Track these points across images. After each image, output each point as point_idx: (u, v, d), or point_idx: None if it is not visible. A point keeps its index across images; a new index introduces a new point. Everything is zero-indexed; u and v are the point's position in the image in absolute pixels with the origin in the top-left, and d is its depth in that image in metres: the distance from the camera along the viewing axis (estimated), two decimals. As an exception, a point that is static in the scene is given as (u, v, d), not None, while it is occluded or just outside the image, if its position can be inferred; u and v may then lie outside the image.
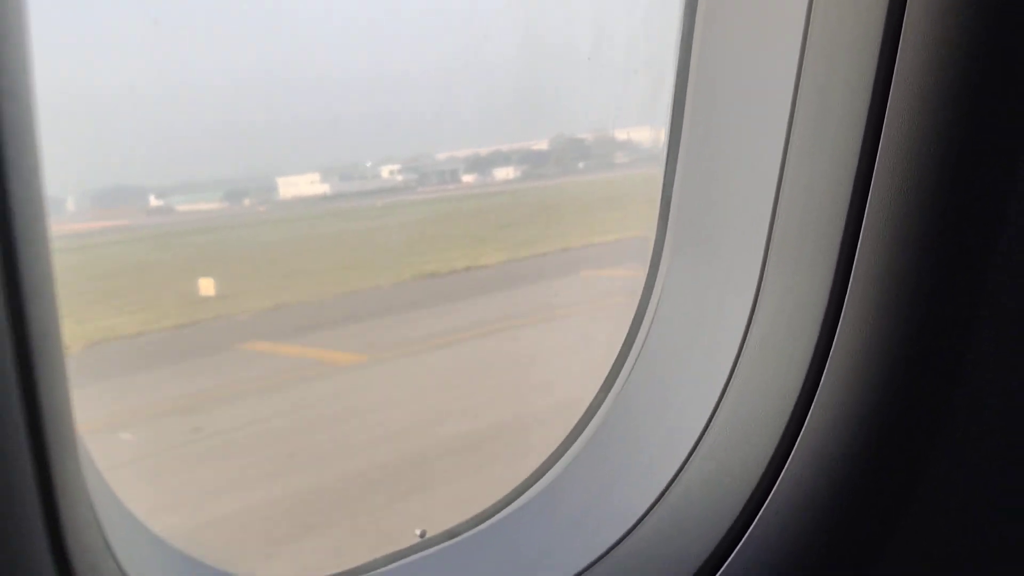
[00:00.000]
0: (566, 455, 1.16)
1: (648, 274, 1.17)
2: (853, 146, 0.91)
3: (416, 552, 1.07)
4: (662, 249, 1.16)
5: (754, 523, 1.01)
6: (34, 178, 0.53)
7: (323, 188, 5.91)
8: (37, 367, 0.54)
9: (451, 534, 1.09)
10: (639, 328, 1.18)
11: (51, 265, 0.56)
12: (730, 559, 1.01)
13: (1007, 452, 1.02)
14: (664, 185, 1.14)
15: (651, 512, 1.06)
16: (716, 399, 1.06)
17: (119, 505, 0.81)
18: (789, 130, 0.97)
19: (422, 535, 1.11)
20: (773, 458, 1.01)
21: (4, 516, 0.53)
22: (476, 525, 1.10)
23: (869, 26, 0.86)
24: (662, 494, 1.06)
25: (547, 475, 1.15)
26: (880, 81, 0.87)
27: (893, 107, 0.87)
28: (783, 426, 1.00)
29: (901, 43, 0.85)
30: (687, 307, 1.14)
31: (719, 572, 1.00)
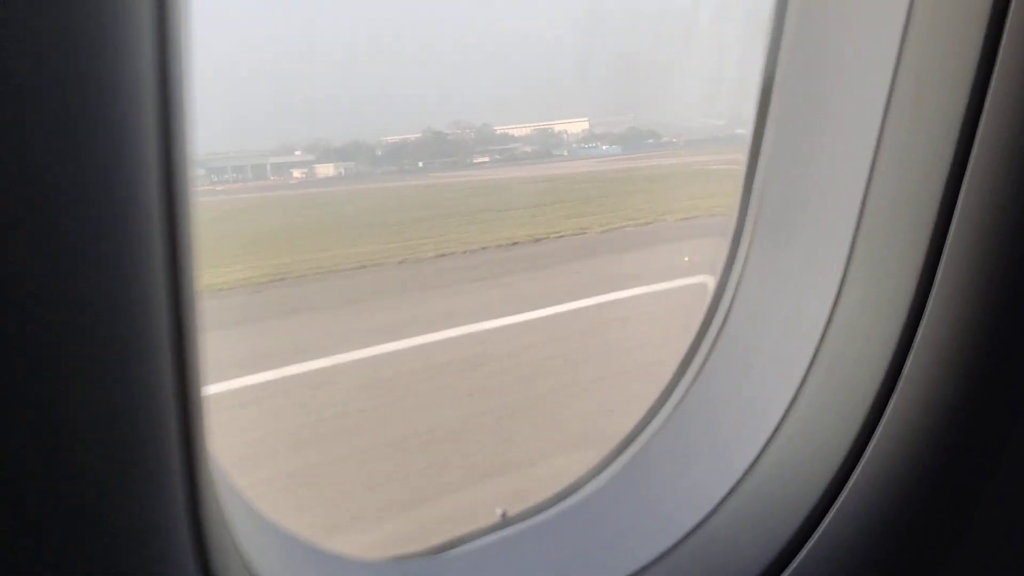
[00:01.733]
0: (642, 435, 1.17)
1: (727, 254, 1.14)
2: (948, 143, 0.87)
3: (496, 531, 1.11)
4: (742, 231, 1.13)
5: (832, 511, 1.01)
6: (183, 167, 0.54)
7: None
8: (184, 369, 0.56)
9: (529, 513, 1.12)
10: (717, 309, 1.16)
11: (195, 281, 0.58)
12: (807, 546, 1.01)
13: None
14: (747, 167, 1.11)
15: (729, 497, 1.06)
16: (797, 384, 1.05)
17: (243, 501, 0.84)
18: (883, 123, 0.92)
19: (503, 515, 1.13)
20: (853, 446, 1.00)
21: (148, 520, 0.56)
22: (554, 505, 1.13)
23: (971, 21, 0.80)
24: (741, 479, 1.06)
25: (623, 455, 1.16)
26: (979, 79, 0.83)
27: (991, 106, 0.83)
28: (863, 415, 0.99)
29: (1003, 40, 0.80)
30: (769, 290, 1.12)
31: (796, 559, 1.01)
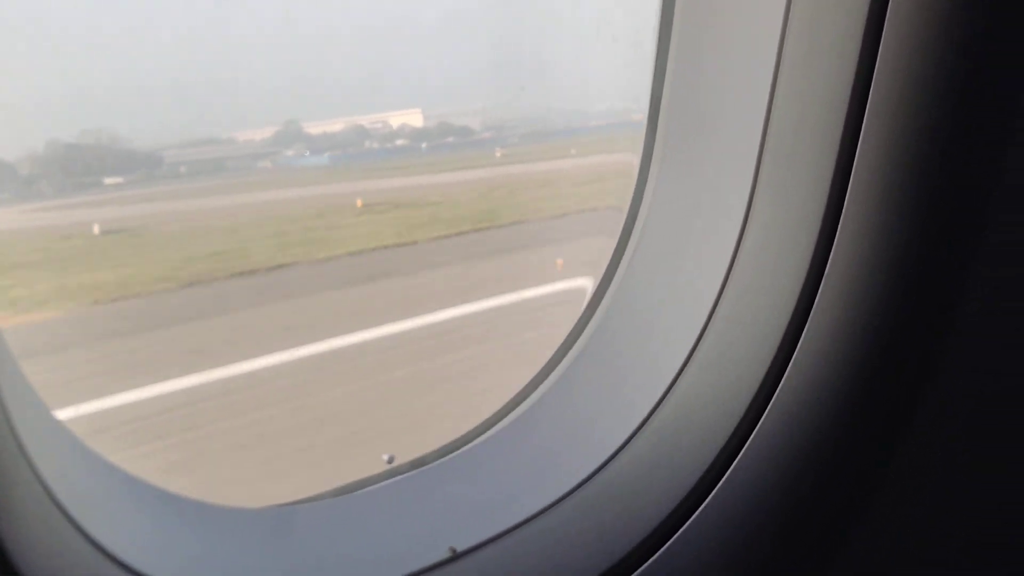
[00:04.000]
0: (542, 386, 1.12)
1: (633, 197, 1.10)
2: (844, 87, 0.85)
3: (383, 480, 1.05)
4: (648, 171, 1.09)
5: (736, 460, 0.97)
6: None
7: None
8: None
9: (419, 463, 1.07)
10: (623, 251, 1.12)
11: None
12: (709, 497, 0.97)
13: (1001, 391, 0.97)
14: (651, 101, 1.07)
15: (627, 446, 1.02)
16: (702, 325, 1.01)
17: (38, 405, 0.78)
18: (782, 42, 0.89)
19: (390, 461, 1.08)
20: (757, 393, 0.96)
21: None
22: (445, 454, 1.07)
23: None
24: (640, 426, 1.02)
25: (521, 405, 1.11)
26: (872, 21, 0.81)
27: (885, 46, 0.81)
28: (769, 360, 0.95)
29: None
30: (673, 228, 1.08)
31: (697, 510, 0.97)
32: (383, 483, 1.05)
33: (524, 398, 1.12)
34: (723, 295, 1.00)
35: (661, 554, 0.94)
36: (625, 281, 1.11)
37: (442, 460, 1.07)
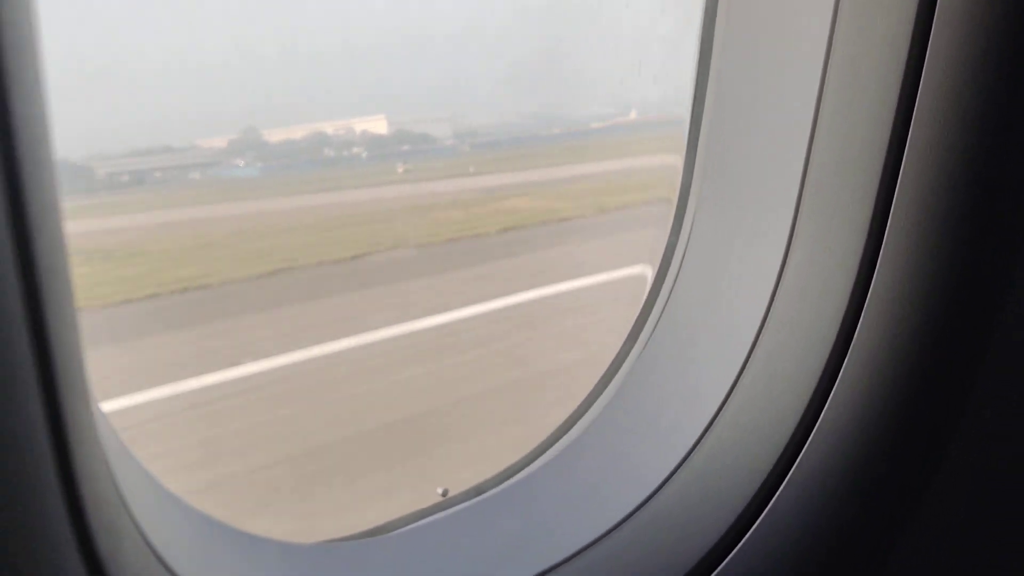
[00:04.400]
0: (587, 414, 1.14)
1: (672, 227, 1.12)
2: (890, 96, 0.84)
3: (437, 511, 1.08)
4: (687, 203, 1.10)
5: (781, 487, 0.99)
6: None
7: None
8: (48, 313, 0.52)
9: (471, 494, 1.10)
10: (662, 282, 1.13)
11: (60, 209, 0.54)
12: (755, 526, 0.99)
13: None
14: (689, 135, 1.08)
15: (672, 477, 1.04)
16: (744, 357, 1.03)
17: (134, 461, 0.81)
18: (823, 80, 0.89)
19: (444, 494, 1.11)
20: (802, 420, 0.97)
21: (18, 475, 0.53)
22: (495, 485, 1.10)
23: None
24: (685, 458, 1.04)
25: (568, 435, 1.14)
26: (920, 27, 0.80)
27: (932, 55, 0.80)
28: (813, 386, 0.97)
29: (938, 4, 0.77)
30: (714, 260, 1.09)
31: (743, 539, 0.99)
32: (431, 518, 1.08)
33: (566, 430, 1.14)
34: (766, 323, 1.01)
35: None
36: (668, 309, 1.13)
37: (493, 491, 1.10)
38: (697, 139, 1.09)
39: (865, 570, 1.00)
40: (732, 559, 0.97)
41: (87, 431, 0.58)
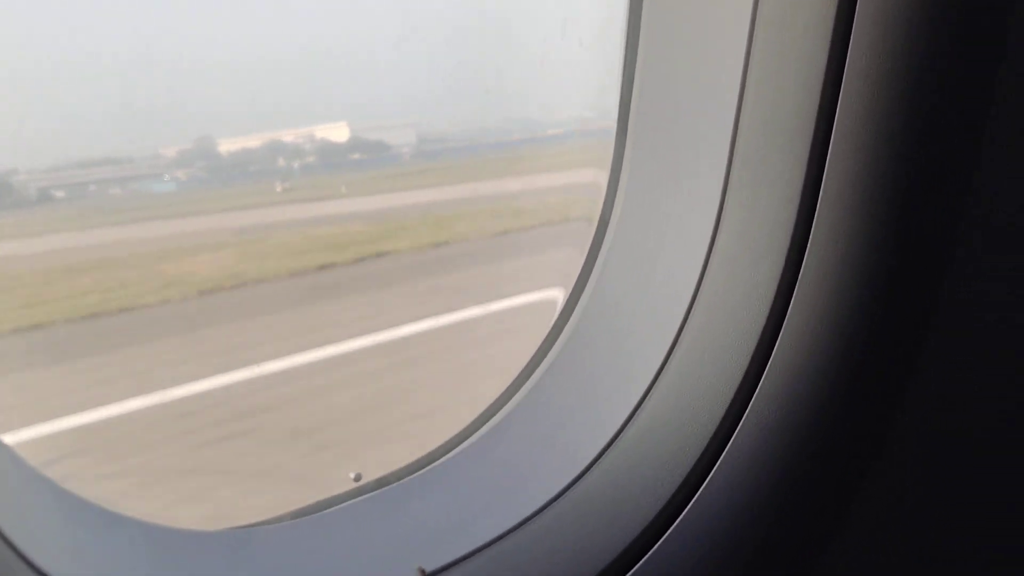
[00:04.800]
0: (513, 398, 1.09)
1: (602, 207, 1.09)
2: (817, 73, 0.83)
3: (348, 499, 1.02)
4: (617, 182, 1.08)
5: (713, 470, 0.95)
6: None
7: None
8: None
9: (385, 481, 1.03)
10: (592, 264, 1.10)
11: None
12: (687, 509, 0.94)
13: (984, 389, 0.96)
14: (620, 109, 1.06)
15: (599, 460, 0.99)
16: (674, 336, 0.99)
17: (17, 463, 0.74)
18: (749, 47, 0.88)
19: (356, 479, 1.04)
20: (733, 401, 0.94)
21: None
22: (415, 471, 1.04)
23: None
24: (611, 442, 1.00)
25: (493, 419, 1.08)
26: (844, 5, 0.80)
27: (859, 30, 0.80)
28: (744, 367, 0.94)
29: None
30: (644, 240, 1.06)
31: (675, 522, 0.94)
32: (348, 503, 1.01)
33: (494, 412, 1.09)
34: (695, 305, 0.98)
35: (636, 570, 0.91)
36: (596, 293, 1.09)
37: (410, 477, 1.04)
38: (626, 125, 1.07)
39: (801, 553, 0.96)
40: (663, 543, 0.93)
41: None
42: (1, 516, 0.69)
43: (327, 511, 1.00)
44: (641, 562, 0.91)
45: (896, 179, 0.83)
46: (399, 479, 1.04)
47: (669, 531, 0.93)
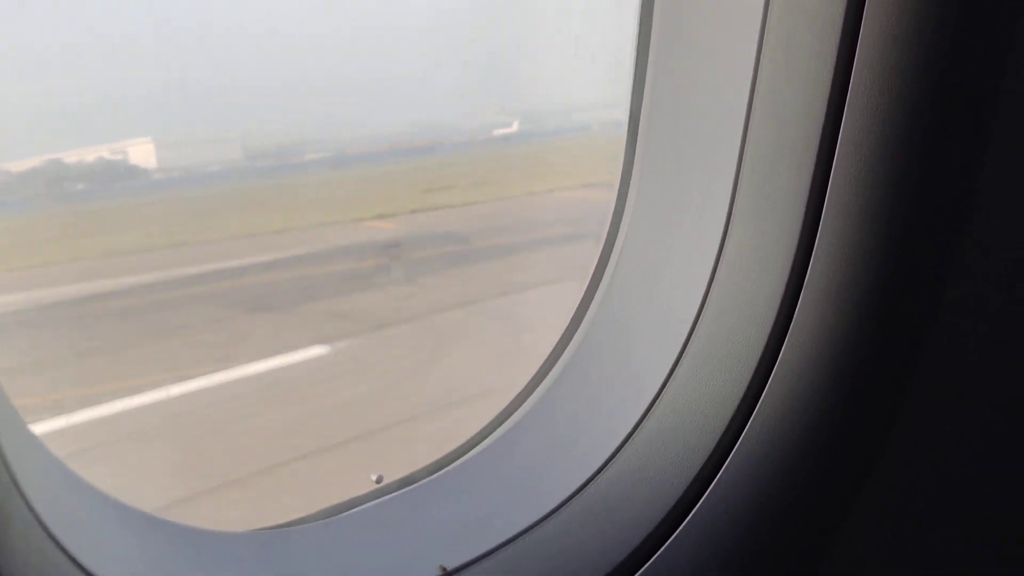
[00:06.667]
0: (525, 403, 1.14)
1: (612, 215, 1.13)
2: (823, 85, 0.86)
3: (370, 499, 1.06)
4: (627, 192, 1.11)
5: (720, 472, 0.98)
6: None
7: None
8: None
9: (406, 482, 1.08)
10: (603, 271, 1.14)
11: None
12: (695, 509, 0.98)
13: (985, 391, 1.00)
14: (629, 129, 1.09)
15: (611, 461, 1.04)
16: (681, 344, 1.03)
17: (30, 438, 0.78)
18: (757, 65, 0.92)
19: (378, 481, 1.09)
20: (740, 404, 0.98)
21: None
22: (431, 473, 1.09)
23: None
24: (622, 445, 1.04)
25: (507, 423, 1.13)
26: (850, 19, 0.83)
27: (864, 45, 0.83)
28: (752, 371, 0.97)
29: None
30: (653, 248, 1.10)
31: (683, 523, 0.98)
32: (371, 503, 1.06)
33: (509, 414, 1.13)
34: (704, 308, 1.02)
35: (647, 569, 0.96)
36: (605, 302, 1.13)
37: (430, 479, 1.08)
38: (636, 134, 1.10)
39: (806, 553, 1.00)
40: (671, 543, 0.97)
41: None
42: (51, 520, 0.73)
43: (353, 511, 1.04)
44: (650, 561, 0.96)
45: (899, 191, 0.87)
46: (418, 480, 1.08)
47: (677, 531, 0.97)
